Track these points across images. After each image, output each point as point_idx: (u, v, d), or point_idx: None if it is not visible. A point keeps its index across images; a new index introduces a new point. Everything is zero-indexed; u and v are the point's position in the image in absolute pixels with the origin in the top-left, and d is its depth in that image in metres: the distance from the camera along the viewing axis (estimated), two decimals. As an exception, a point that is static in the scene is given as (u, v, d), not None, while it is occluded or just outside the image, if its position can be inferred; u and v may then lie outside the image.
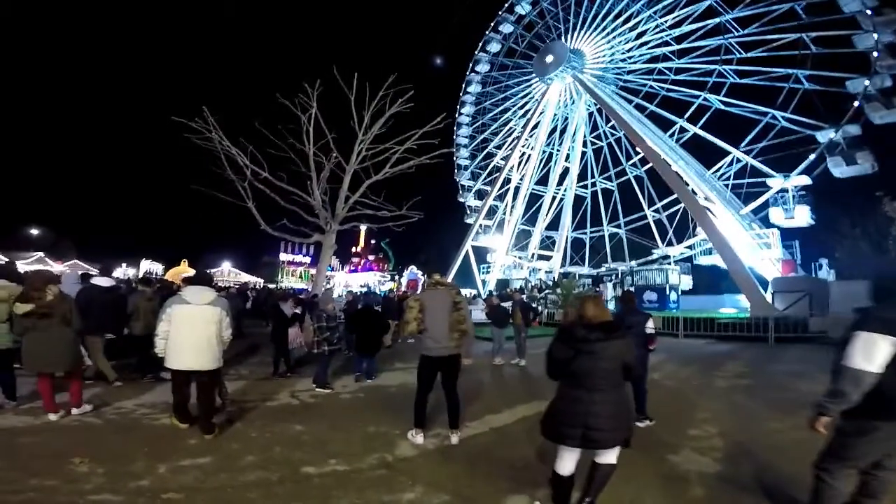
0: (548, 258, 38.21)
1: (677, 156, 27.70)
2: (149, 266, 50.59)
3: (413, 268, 48.51)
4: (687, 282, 32.73)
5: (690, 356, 12.14)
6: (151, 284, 8.93)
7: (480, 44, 39.65)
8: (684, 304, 26.14)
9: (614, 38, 31.02)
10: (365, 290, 31.80)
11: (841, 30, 21.71)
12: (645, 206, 32.78)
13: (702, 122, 27.73)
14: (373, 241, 60.32)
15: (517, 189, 36.36)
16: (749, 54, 25.37)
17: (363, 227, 50.14)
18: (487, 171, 39.90)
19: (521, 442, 4.98)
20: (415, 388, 4.97)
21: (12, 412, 5.39)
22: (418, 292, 4.91)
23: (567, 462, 3.00)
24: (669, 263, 32.05)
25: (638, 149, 27.63)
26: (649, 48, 29.78)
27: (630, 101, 30.18)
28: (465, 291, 30.81)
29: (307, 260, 58.97)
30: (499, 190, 35.99)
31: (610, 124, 32.38)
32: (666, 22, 28.27)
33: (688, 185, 25.13)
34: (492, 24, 38.79)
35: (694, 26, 27.32)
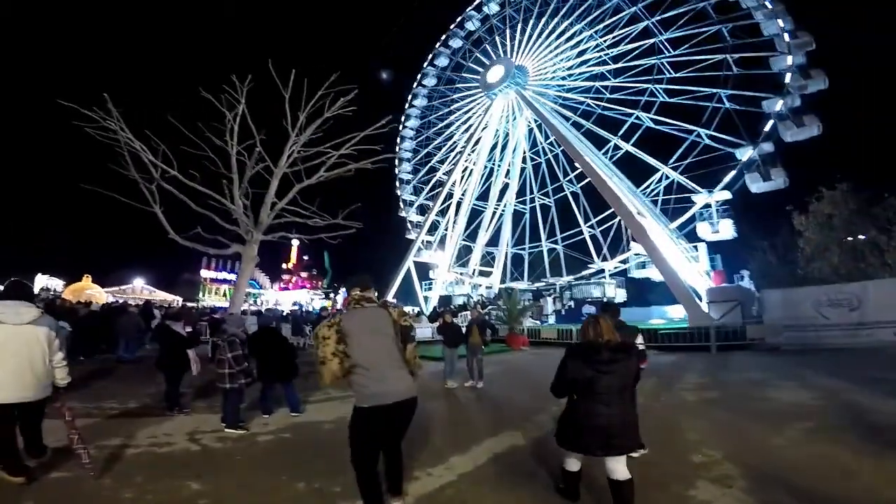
0: (488, 274, 38.04)
1: (612, 172, 28.80)
2: (45, 282, 43.62)
3: (350, 286, 45.84)
4: (621, 294, 34.08)
5: (643, 369, 11.75)
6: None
7: (429, 58, 39.56)
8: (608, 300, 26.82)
9: (557, 56, 32.23)
10: (297, 308, 29.25)
11: (760, 52, 23.74)
12: (581, 221, 33.76)
13: (633, 139, 29.24)
14: (305, 258, 56.99)
15: (459, 204, 35.96)
16: (678, 74, 27.11)
17: (296, 243, 46.89)
18: (430, 185, 39.27)
19: (501, 489, 3.77)
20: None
21: None
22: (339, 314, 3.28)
23: (576, 461, 3.41)
24: (604, 277, 33.15)
25: (576, 164, 28.39)
26: (589, 66, 31.11)
27: (568, 119, 31.15)
28: (407, 309, 29.41)
29: (232, 277, 54.10)
30: (441, 205, 35.34)
31: (549, 140, 33.23)
32: (605, 42, 29.79)
33: (622, 200, 26.03)
34: (442, 39, 38.92)
35: (630, 46, 29.00)
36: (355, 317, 3.13)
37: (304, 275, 56.45)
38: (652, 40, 27.79)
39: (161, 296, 48.87)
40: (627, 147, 29.16)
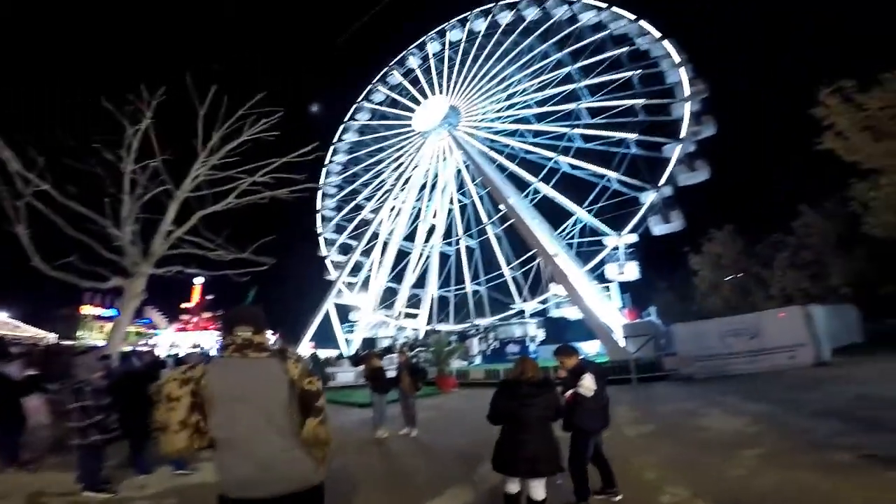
0: (414, 316, 37.00)
1: (533, 215, 30.16)
2: None
3: (262, 327, 41.72)
4: (541, 334, 35.00)
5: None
6: None
7: (364, 93, 39.31)
8: (542, 353, 27.30)
9: (488, 98, 33.83)
10: (199, 350, 25.55)
11: (663, 99, 26.45)
12: (503, 264, 34.54)
13: (552, 182, 30.88)
14: (210, 297, 51.37)
15: (385, 244, 35.04)
16: (593, 120, 29.43)
17: (198, 281, 41.99)
18: (354, 224, 37.92)
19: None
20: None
21: None
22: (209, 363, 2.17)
23: (515, 484, 3.69)
24: (525, 317, 33.90)
25: (500, 207, 29.26)
26: (516, 110, 32.88)
27: (494, 161, 32.46)
28: (328, 352, 27.05)
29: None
30: (366, 245, 34.13)
31: (475, 182, 34.14)
32: (532, 86, 31.87)
33: (543, 243, 27.17)
34: (380, 74, 39.09)
35: (554, 91, 31.15)
36: (229, 371, 2.11)
37: (207, 315, 50.65)
38: (573, 86, 30.27)
39: (29, 331, 41.13)
40: (546, 190, 30.89)
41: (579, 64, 30.24)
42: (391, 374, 9.32)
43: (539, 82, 31.66)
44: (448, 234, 37.23)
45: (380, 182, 37.27)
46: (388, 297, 36.09)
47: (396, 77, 39.23)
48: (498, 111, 33.48)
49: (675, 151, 25.18)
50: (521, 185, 32.26)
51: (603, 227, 27.66)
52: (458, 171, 35.35)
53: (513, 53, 33.22)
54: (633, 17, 28.00)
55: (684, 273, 26.44)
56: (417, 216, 37.21)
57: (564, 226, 30.29)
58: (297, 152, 14.38)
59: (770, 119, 58.82)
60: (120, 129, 12.50)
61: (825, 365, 12.39)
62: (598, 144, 28.85)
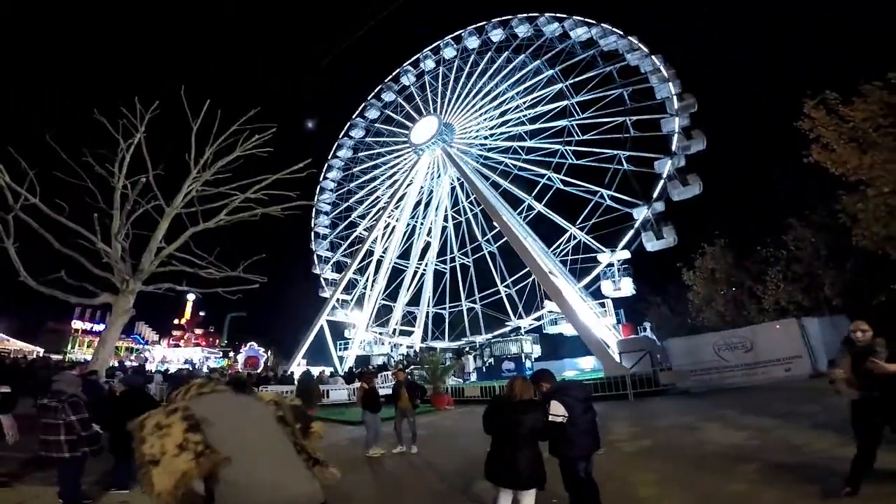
0: (409, 333, 36.68)
1: (526, 232, 30.20)
2: None
3: (253, 344, 41.13)
4: (537, 350, 34.74)
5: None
6: None
7: (359, 109, 39.66)
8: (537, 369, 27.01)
9: (482, 115, 34.04)
10: (188, 367, 25.09)
11: (654, 114, 26.53)
12: (498, 281, 34.45)
13: (545, 200, 31.06)
14: (202, 314, 50.94)
15: (379, 262, 34.89)
16: (585, 136, 29.54)
17: (191, 297, 41.55)
18: (349, 241, 37.79)
19: None
20: None
21: None
22: (185, 399, 2.04)
23: (504, 500, 3.78)
24: (521, 334, 33.68)
25: (494, 224, 29.29)
26: (509, 126, 33.12)
27: (488, 178, 32.60)
28: (321, 368, 26.55)
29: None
30: (360, 262, 33.95)
31: (469, 199, 34.25)
32: (525, 103, 32.15)
33: (537, 261, 27.11)
34: (375, 91, 39.45)
35: (546, 108, 31.41)
36: (209, 401, 2.05)
37: (198, 332, 50.18)
38: (564, 102, 30.53)
39: (16, 345, 40.51)
40: (540, 207, 31.00)
41: (571, 81, 30.67)
42: (386, 391, 9.14)
43: (532, 99, 31.95)
44: (443, 251, 37.20)
45: (374, 199, 37.28)
46: (382, 315, 35.77)
47: (391, 94, 39.59)
48: (491, 128, 33.76)
49: (666, 167, 25.35)
50: (514, 202, 32.44)
51: (596, 244, 27.66)
52: (453, 189, 35.49)
53: (505, 70, 33.67)
54: (622, 32, 28.58)
55: (678, 288, 26.39)
56: (412, 233, 37.19)
57: (558, 242, 30.36)
58: (290, 169, 14.38)
59: (758, 132, 59.83)
60: (111, 141, 12.49)
61: (821, 377, 12.31)
62: (591, 161, 28.95)
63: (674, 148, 25.40)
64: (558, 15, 31.66)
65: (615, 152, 27.76)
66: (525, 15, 33.39)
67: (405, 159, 35.82)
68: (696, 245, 23.63)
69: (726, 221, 28.03)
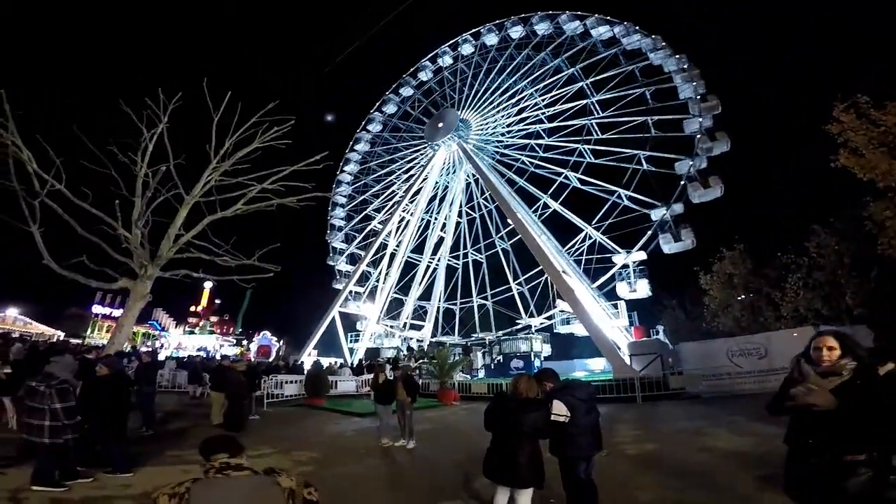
0: (419, 327, 36.89)
1: (541, 230, 29.97)
2: None
3: (267, 333, 41.87)
4: (547, 349, 34.55)
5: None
6: None
7: (377, 104, 39.90)
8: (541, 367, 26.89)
9: (499, 112, 33.78)
10: (203, 354, 25.72)
11: (676, 115, 25.85)
12: (510, 278, 34.29)
13: (561, 198, 30.65)
14: (217, 301, 51.97)
15: (393, 255, 35.11)
16: (605, 136, 28.97)
17: (208, 284, 42.54)
18: (363, 234, 38.12)
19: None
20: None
21: None
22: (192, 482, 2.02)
23: (501, 498, 3.84)
24: (531, 333, 33.55)
25: (509, 221, 29.18)
26: (526, 124, 32.69)
27: (503, 175, 32.42)
28: (331, 360, 26.96)
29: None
30: (373, 255, 34.23)
31: (484, 196, 34.16)
32: (543, 101, 31.76)
33: (550, 259, 26.88)
34: (393, 86, 39.58)
35: (565, 106, 30.94)
36: (214, 489, 2.00)
37: (213, 319, 51.23)
38: (584, 101, 29.99)
39: (38, 329, 42.60)
40: (556, 206, 30.66)
41: (591, 79, 30.11)
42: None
43: (550, 97, 31.47)
44: (456, 246, 37.21)
45: (390, 193, 37.49)
46: (393, 308, 36.03)
47: (409, 89, 39.67)
48: (509, 125, 33.44)
49: (686, 168, 24.76)
50: (530, 199, 32.17)
51: (611, 245, 27.25)
52: (468, 184, 35.42)
53: (525, 68, 33.24)
54: (646, 32, 27.99)
55: (694, 291, 25.86)
56: (426, 228, 37.29)
57: (573, 242, 30.06)
58: (307, 161, 14.59)
59: (782, 136, 58.01)
60: (135, 131, 12.84)
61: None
62: (610, 160, 28.43)
63: (696, 149, 24.75)
64: (579, 13, 31.15)
65: (635, 152, 27.15)
66: (545, 13, 32.93)
67: (421, 154, 35.89)
68: (714, 249, 23.11)
69: (746, 225, 27.31)
